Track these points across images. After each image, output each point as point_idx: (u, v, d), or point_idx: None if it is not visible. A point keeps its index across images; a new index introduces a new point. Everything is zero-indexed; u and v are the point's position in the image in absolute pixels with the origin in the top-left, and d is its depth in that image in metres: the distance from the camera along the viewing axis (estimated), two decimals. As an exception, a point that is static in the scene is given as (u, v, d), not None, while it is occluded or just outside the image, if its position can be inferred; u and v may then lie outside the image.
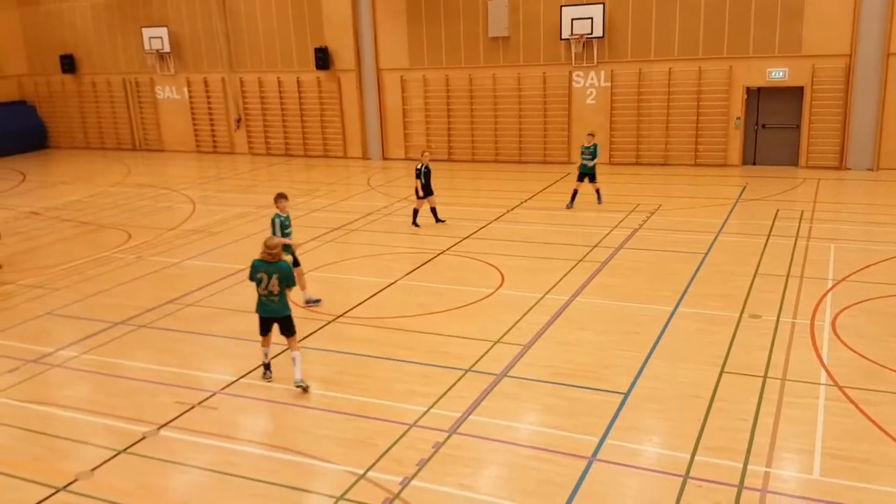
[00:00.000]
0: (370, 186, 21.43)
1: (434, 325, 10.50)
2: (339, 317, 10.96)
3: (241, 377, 9.10)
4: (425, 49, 24.19)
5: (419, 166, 15.66)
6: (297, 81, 26.38)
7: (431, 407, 8.06)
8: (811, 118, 20.15)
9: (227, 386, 8.89)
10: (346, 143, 26.20)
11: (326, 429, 7.82)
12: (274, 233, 10.76)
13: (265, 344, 8.99)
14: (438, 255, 13.94)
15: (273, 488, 6.81)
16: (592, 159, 16.80)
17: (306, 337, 10.23)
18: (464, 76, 23.87)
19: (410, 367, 9.19)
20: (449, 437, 7.45)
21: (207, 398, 8.61)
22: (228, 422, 8.09)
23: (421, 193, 15.70)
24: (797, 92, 20.19)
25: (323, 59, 25.33)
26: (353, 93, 25.52)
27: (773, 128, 20.70)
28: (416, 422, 7.76)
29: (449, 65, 23.98)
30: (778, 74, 20.16)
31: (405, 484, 6.68)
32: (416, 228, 15.90)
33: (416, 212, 16.15)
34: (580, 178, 17.07)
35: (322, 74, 25.82)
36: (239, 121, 27.93)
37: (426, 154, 16.05)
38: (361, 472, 6.91)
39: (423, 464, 6.99)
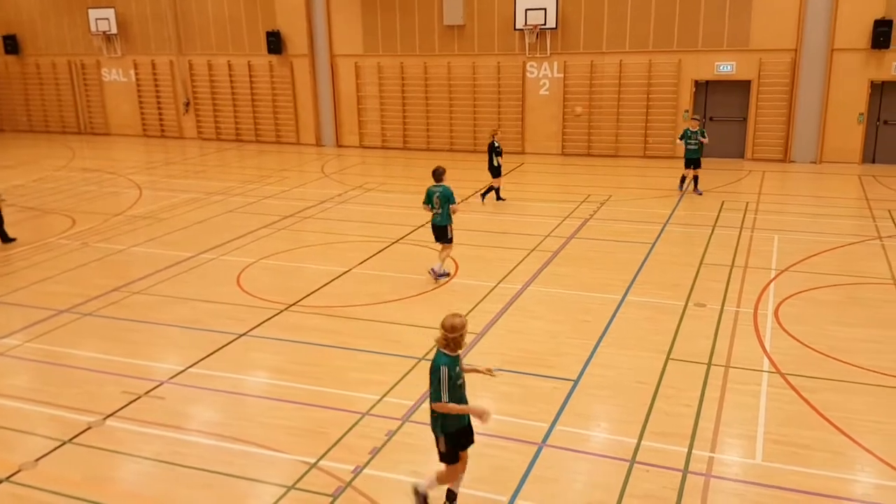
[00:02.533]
0: (324, 174, 21.24)
1: (388, 313, 10.50)
2: (290, 305, 10.87)
3: (190, 366, 8.97)
4: (380, 36, 24.03)
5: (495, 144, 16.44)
6: (249, 66, 25.96)
7: (384, 395, 8.07)
8: (757, 111, 20.66)
9: (175, 375, 8.76)
10: (299, 129, 25.91)
11: (278, 418, 7.77)
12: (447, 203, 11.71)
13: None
14: (392, 243, 13.92)
15: (222, 478, 6.75)
16: (699, 144, 16.69)
17: (257, 326, 10.14)
18: (419, 64, 23.79)
19: (363, 355, 9.18)
20: (402, 424, 7.48)
21: (155, 388, 8.47)
22: (176, 411, 7.98)
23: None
24: (744, 85, 20.67)
25: (275, 43, 24.96)
26: (306, 78, 25.22)
27: (720, 120, 21.16)
28: (368, 410, 7.77)
29: (404, 52, 23.87)
30: (726, 68, 20.60)
31: (357, 472, 6.69)
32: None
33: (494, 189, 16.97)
34: (687, 165, 17.01)
35: (274, 59, 25.45)
36: (187, 104, 27.37)
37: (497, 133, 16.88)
38: (313, 461, 6.90)
39: (375, 452, 7.01)
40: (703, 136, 16.63)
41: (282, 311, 10.66)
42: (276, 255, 13.37)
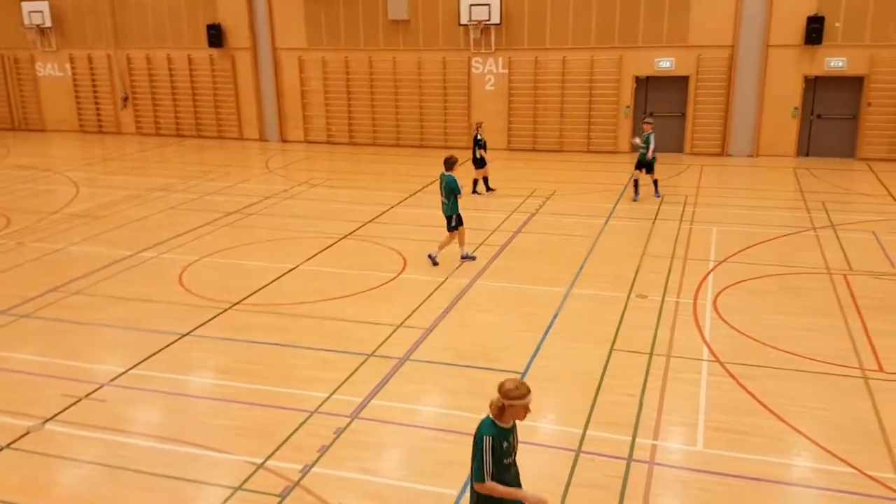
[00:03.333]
0: (268, 169, 20.97)
1: (335, 310, 10.44)
2: (235, 304, 10.71)
3: (131, 368, 8.77)
4: (324, 29, 23.80)
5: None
6: (189, 59, 25.42)
7: (333, 393, 8.03)
8: (696, 106, 21.15)
9: (116, 377, 8.55)
10: (242, 123, 25.50)
11: (223, 419, 7.66)
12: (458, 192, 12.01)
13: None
14: (340, 239, 13.83)
15: (166, 481, 6.63)
16: (647, 149, 16.08)
17: (200, 326, 9.96)
18: (364, 58, 23.65)
19: (311, 353, 9.11)
20: (350, 422, 7.46)
21: (95, 390, 8.25)
22: (118, 414, 7.80)
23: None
24: (683, 81, 21.13)
25: (216, 36, 24.50)
26: (248, 72, 24.83)
27: (660, 116, 21.56)
28: (317, 408, 7.72)
29: (348, 46, 23.70)
30: (665, 64, 21.04)
31: (306, 471, 6.65)
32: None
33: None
34: (638, 167, 16.39)
35: (215, 52, 24.98)
36: (126, 99, 26.67)
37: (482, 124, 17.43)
38: (260, 461, 6.82)
39: (324, 450, 6.97)
40: (647, 144, 16.02)
41: (226, 310, 10.50)
42: (219, 253, 13.14)
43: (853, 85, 19.96)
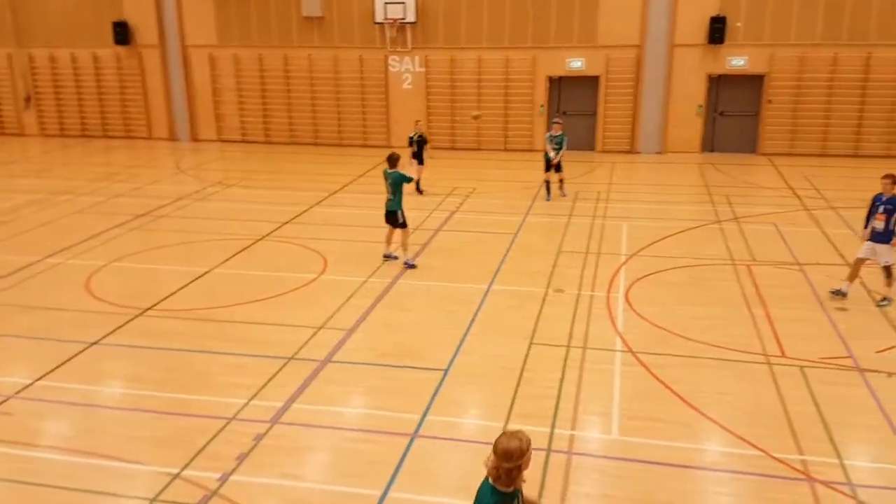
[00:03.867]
0: (179, 169, 20.37)
1: (253, 314, 10.25)
2: (146, 310, 10.37)
3: (38, 379, 8.38)
4: (235, 26, 23.27)
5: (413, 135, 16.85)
6: (94, 57, 24.42)
7: (251, 399, 7.89)
8: (606, 105, 21.73)
9: (23, 389, 8.16)
10: (151, 123, 24.68)
11: (137, 429, 7.41)
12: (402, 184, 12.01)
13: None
14: (257, 241, 13.58)
15: (78, 495, 6.38)
16: (559, 149, 16.16)
17: (110, 333, 9.61)
18: (278, 56, 23.25)
19: (228, 358, 8.91)
20: (270, 427, 7.34)
21: (1, 403, 7.85)
22: (26, 427, 7.45)
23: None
24: (593, 81, 21.68)
25: (122, 33, 23.62)
26: (156, 70, 24.05)
27: (573, 115, 22.04)
28: (235, 415, 7.57)
29: (262, 44, 23.25)
30: (576, 64, 21.52)
31: (224, 479, 6.51)
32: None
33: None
34: (547, 168, 16.41)
35: (122, 50, 24.08)
36: (28, 100, 25.40)
37: (419, 123, 17.43)
38: (176, 471, 6.64)
39: (242, 458, 6.83)
40: (562, 146, 16.24)
41: (136, 317, 10.15)
42: (128, 257, 12.70)
43: (754, 83, 20.92)
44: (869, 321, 9.85)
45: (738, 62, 20.60)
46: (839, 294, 10.45)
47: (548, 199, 16.52)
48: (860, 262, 10.41)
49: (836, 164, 19.86)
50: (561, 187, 16.81)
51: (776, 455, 6.88)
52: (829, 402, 7.77)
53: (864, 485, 6.49)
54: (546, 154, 16.51)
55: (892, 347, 9.06)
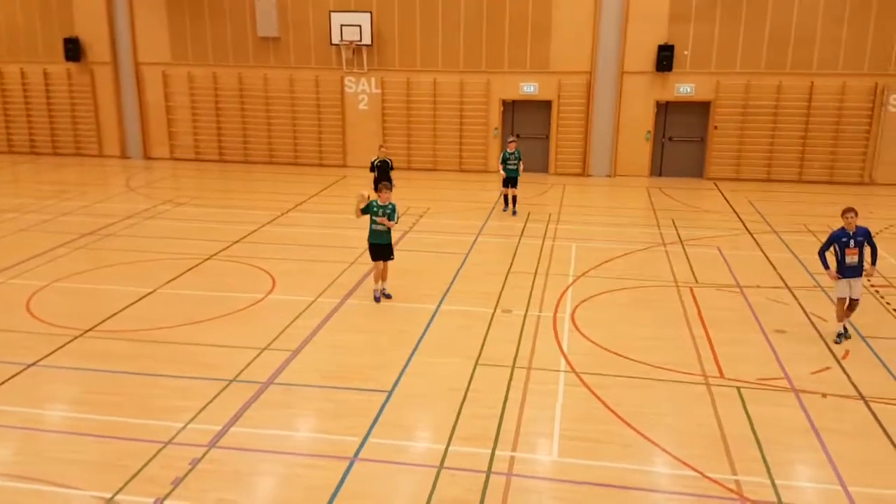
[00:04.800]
0: (129, 188, 20.07)
1: (197, 335, 10.12)
2: (87, 331, 10.17)
3: (-31, 403, 8.16)
4: (189, 44, 23.14)
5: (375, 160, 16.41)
6: (44, 73, 24.02)
7: (190, 422, 7.77)
8: (559, 129, 22.09)
9: (-48, 414, 7.93)
10: (102, 140, 24.32)
11: (72, 453, 7.25)
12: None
13: None
14: (205, 260, 13.44)
15: (6, 523, 6.22)
16: (517, 164, 16.89)
17: (49, 355, 9.40)
18: (233, 75, 23.16)
19: (169, 381, 8.77)
20: (207, 451, 7.24)
21: (-74, 430, 7.63)
22: (-48, 454, 7.23)
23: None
24: (546, 105, 22.04)
25: (74, 50, 23.30)
26: (108, 87, 23.77)
27: (526, 137, 22.35)
28: (171, 439, 7.44)
29: (217, 63, 23.15)
30: (529, 89, 21.87)
31: (158, 504, 6.42)
32: None
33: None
34: (505, 184, 17.10)
35: (73, 67, 23.75)
36: (-28, 114, 24.82)
37: (383, 149, 16.90)
38: (109, 495, 6.51)
39: (178, 482, 6.73)
40: (520, 160, 16.93)
41: (77, 338, 9.95)
42: (72, 277, 12.45)
43: (701, 109, 21.50)
44: (806, 344, 10.11)
45: (685, 89, 21.16)
46: (844, 336, 10.14)
47: (504, 210, 17.28)
48: (842, 301, 10.05)
49: (780, 189, 20.47)
50: (514, 205, 17.17)
51: (711, 475, 7.02)
52: (764, 423, 7.96)
53: (794, 504, 6.66)
54: (506, 170, 16.98)
55: (828, 369, 9.33)
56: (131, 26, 23.22)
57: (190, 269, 12.96)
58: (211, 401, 8.23)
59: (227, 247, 14.25)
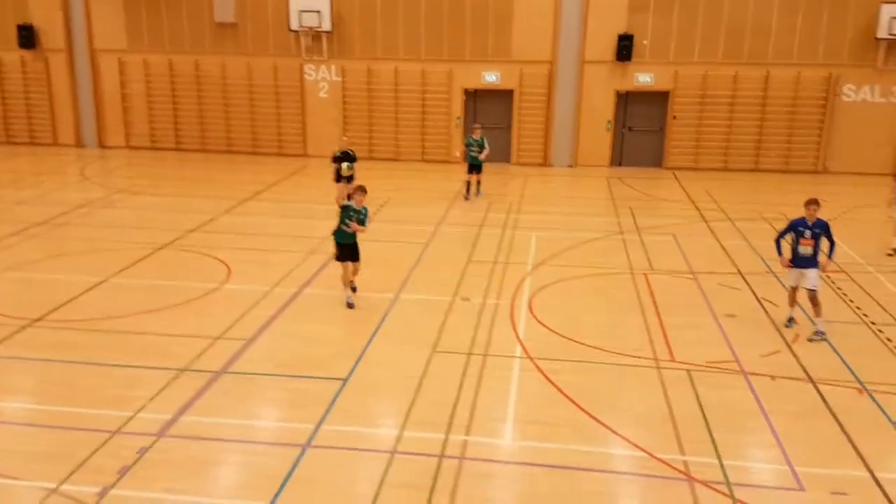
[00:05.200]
0: (84, 176, 19.67)
1: (149, 324, 9.96)
2: (36, 321, 9.95)
3: None
4: (145, 31, 22.70)
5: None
6: (-4, 60, 23.43)
7: (139, 411, 7.65)
8: (520, 119, 22.13)
9: None
10: (56, 128, 23.76)
11: (18, 444, 7.11)
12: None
13: None
14: (159, 249, 13.23)
15: (-55, 516, 6.07)
16: (481, 152, 17.19)
17: (-4, 345, 9.19)
18: (190, 62, 22.77)
19: (119, 371, 8.62)
20: (156, 441, 7.14)
21: None
22: None
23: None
24: (508, 94, 22.05)
25: (27, 37, 22.74)
26: (63, 75, 23.21)
27: (489, 127, 22.24)
28: (119, 428, 7.32)
29: (173, 50, 22.74)
30: (491, 78, 21.87)
31: (103, 494, 6.29)
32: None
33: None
34: (469, 171, 17.42)
35: (27, 54, 23.17)
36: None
37: (345, 138, 16.49)
38: (54, 485, 6.38)
39: (125, 471, 6.62)
40: (484, 147, 17.24)
41: (26, 328, 9.73)
42: (24, 266, 12.19)
43: (660, 99, 21.69)
44: (756, 328, 10.30)
45: (644, 79, 21.34)
46: (793, 323, 10.30)
47: (466, 198, 17.46)
48: (793, 290, 10.19)
49: (737, 178, 20.77)
50: (478, 188, 17.65)
51: (659, 456, 7.13)
52: (713, 405, 8.10)
53: (741, 483, 6.77)
54: (470, 157, 17.32)
55: (777, 352, 9.51)
56: (86, 13, 22.69)
57: (143, 258, 12.75)
58: (161, 390, 8.12)
59: (182, 236, 14.05)
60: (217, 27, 22.38)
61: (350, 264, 10.86)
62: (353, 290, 11.03)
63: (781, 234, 10.24)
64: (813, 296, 9.92)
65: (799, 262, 9.98)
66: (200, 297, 10.99)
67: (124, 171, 20.76)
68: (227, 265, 12.41)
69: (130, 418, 7.52)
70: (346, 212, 10.72)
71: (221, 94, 22.92)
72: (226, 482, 6.70)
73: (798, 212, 10.17)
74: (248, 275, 11.98)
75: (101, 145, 23.72)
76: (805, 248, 9.90)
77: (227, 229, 14.71)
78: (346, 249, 10.85)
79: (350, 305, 10.79)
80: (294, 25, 21.53)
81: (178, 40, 22.67)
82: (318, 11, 21.24)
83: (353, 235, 10.80)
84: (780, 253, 10.20)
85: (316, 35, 21.80)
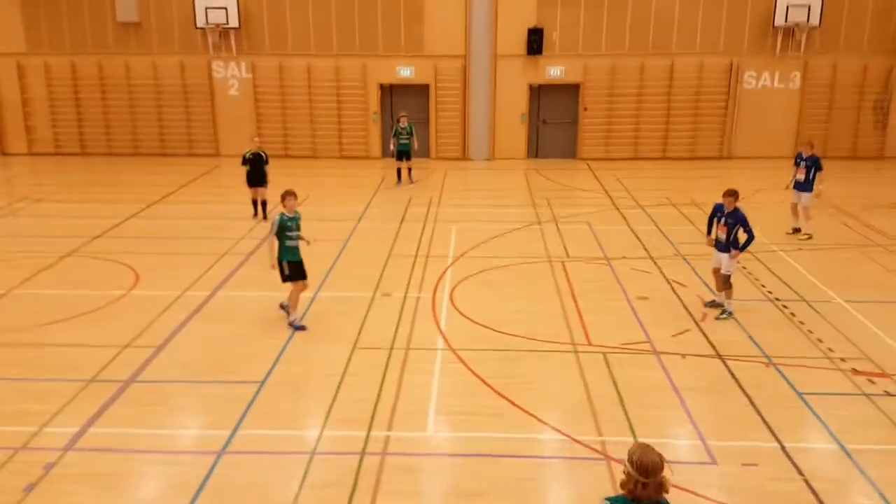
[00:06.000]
0: (-19, 186, 18.65)
1: (52, 336, 9.51)
2: (-72, 338, 9.38)
3: None
4: (45, 33, 21.67)
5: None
6: None
7: (44, 426, 7.30)
8: (438, 113, 22.17)
9: None
10: (-50, 137, 22.45)
11: None
12: (272, 232, 9.82)
13: None
14: (63, 258, 12.66)
15: None
16: (410, 139, 18.19)
17: None
18: (93, 63, 21.86)
19: (21, 384, 8.21)
20: (63, 455, 6.82)
21: None
22: None
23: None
24: (424, 89, 22.05)
25: (-89, 38, 21.35)
26: (-44, 80, 21.94)
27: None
28: (24, 444, 6.97)
29: (74, 51, 21.79)
30: (406, 72, 21.82)
31: (6, 514, 6.00)
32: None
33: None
34: (399, 158, 18.34)
35: (-89, 58, 21.79)
36: None
37: (255, 140, 15.87)
38: (-50, 511, 6.04)
39: (31, 488, 6.32)
40: (412, 134, 18.31)
41: (-84, 346, 9.16)
42: (-89, 283, 11.44)
43: (571, 92, 22.09)
44: (667, 309, 10.62)
45: (555, 72, 21.70)
46: (713, 305, 10.56)
47: (398, 184, 18.31)
48: (716, 271, 10.42)
49: (646, 166, 21.37)
50: (410, 175, 18.38)
51: (578, 438, 7.26)
52: (628, 385, 8.31)
53: (656, 459, 6.96)
54: (399, 145, 18.21)
55: (687, 331, 9.83)
56: (-23, 13, 21.53)
57: (47, 267, 12.17)
58: (67, 403, 7.76)
59: (87, 243, 13.48)
60: (120, 26, 21.55)
61: (301, 282, 9.99)
62: (282, 306, 10.20)
63: (710, 216, 10.56)
64: (724, 278, 10.28)
65: (717, 244, 10.38)
66: (106, 306, 10.55)
67: (27, 178, 19.79)
68: (134, 271, 11.97)
69: (35, 433, 7.17)
70: (283, 225, 9.74)
71: (127, 95, 22.10)
72: (137, 494, 6.45)
73: (708, 197, 10.49)
74: (158, 279, 11.59)
75: (2, 152, 22.54)
76: (720, 234, 10.29)
77: (135, 234, 14.21)
78: (299, 266, 9.92)
79: (302, 328, 9.87)
80: (200, 23, 20.94)
81: (80, 41, 21.74)
82: (225, 8, 20.72)
83: (299, 249, 9.94)
84: (708, 233, 10.59)
85: (224, 32, 21.26)
